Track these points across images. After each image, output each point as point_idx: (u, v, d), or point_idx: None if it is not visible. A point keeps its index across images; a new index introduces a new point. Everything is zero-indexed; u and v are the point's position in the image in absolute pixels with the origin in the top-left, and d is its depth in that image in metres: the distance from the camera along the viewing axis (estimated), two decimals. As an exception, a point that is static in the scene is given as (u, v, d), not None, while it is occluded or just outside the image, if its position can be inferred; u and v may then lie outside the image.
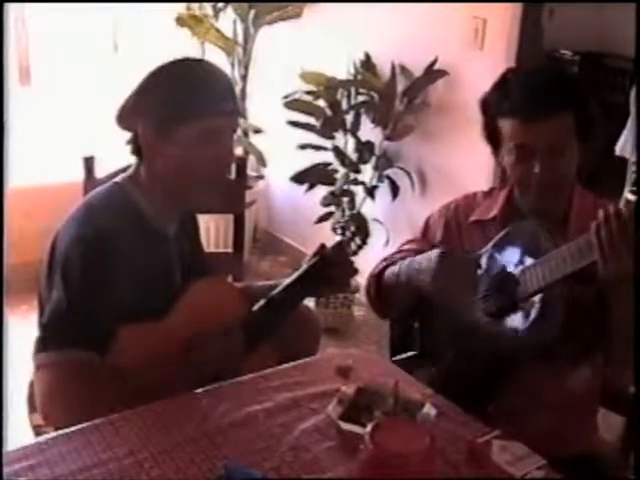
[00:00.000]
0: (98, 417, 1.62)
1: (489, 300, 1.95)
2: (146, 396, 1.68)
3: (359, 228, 1.99)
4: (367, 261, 2.24)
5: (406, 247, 2.20)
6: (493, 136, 1.98)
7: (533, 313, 1.85)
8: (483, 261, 1.99)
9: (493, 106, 1.96)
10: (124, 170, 1.94)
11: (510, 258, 1.93)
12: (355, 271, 2.00)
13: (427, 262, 1.95)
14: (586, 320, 1.79)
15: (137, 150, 1.87)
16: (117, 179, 1.91)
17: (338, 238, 2.00)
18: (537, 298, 1.84)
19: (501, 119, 1.93)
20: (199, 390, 1.75)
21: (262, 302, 1.94)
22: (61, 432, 1.60)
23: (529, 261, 1.87)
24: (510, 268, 1.92)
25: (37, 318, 1.83)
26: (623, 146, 4.27)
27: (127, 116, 1.85)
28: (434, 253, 1.94)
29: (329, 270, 1.96)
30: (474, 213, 2.11)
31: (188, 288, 1.89)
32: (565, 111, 1.87)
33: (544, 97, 1.88)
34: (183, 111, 1.77)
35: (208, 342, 1.81)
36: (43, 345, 1.72)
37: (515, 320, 1.88)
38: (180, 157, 1.80)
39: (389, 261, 2.16)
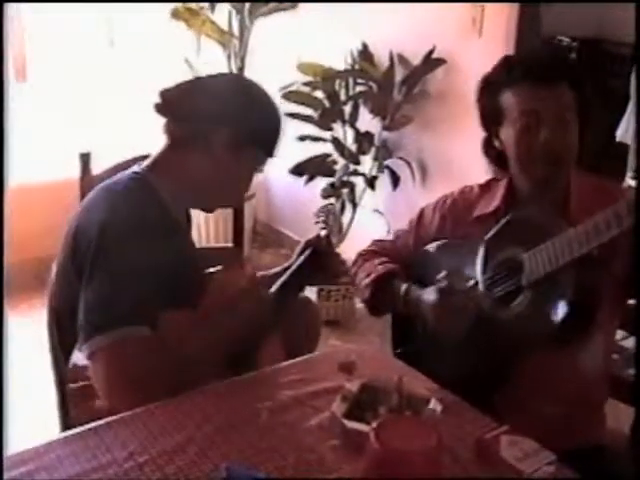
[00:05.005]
0: (165, 391, 1.66)
1: (494, 286, 1.93)
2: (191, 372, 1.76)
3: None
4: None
5: (401, 242, 2.22)
6: (493, 115, 1.98)
7: (539, 299, 1.82)
8: (485, 249, 1.97)
9: (497, 81, 1.97)
10: (135, 161, 1.96)
11: (513, 244, 1.90)
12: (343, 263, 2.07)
13: (428, 296, 1.94)
14: (593, 305, 1.76)
15: (177, 139, 1.89)
16: (136, 169, 1.91)
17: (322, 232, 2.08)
18: (544, 283, 1.81)
19: (506, 92, 1.93)
20: (201, 389, 1.72)
21: (278, 284, 1.95)
22: (58, 437, 1.57)
23: (533, 246, 1.83)
24: (514, 254, 1.89)
25: (47, 311, 1.88)
26: (624, 132, 4.24)
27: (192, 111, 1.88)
28: (434, 290, 1.92)
29: (321, 261, 1.99)
30: (475, 209, 2.09)
31: (212, 276, 1.94)
32: (569, 83, 1.90)
33: (552, 63, 1.95)
34: (267, 144, 2.03)
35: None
36: (94, 330, 1.68)
37: (521, 306, 1.85)
38: (226, 168, 1.91)
39: (379, 248, 2.23)
